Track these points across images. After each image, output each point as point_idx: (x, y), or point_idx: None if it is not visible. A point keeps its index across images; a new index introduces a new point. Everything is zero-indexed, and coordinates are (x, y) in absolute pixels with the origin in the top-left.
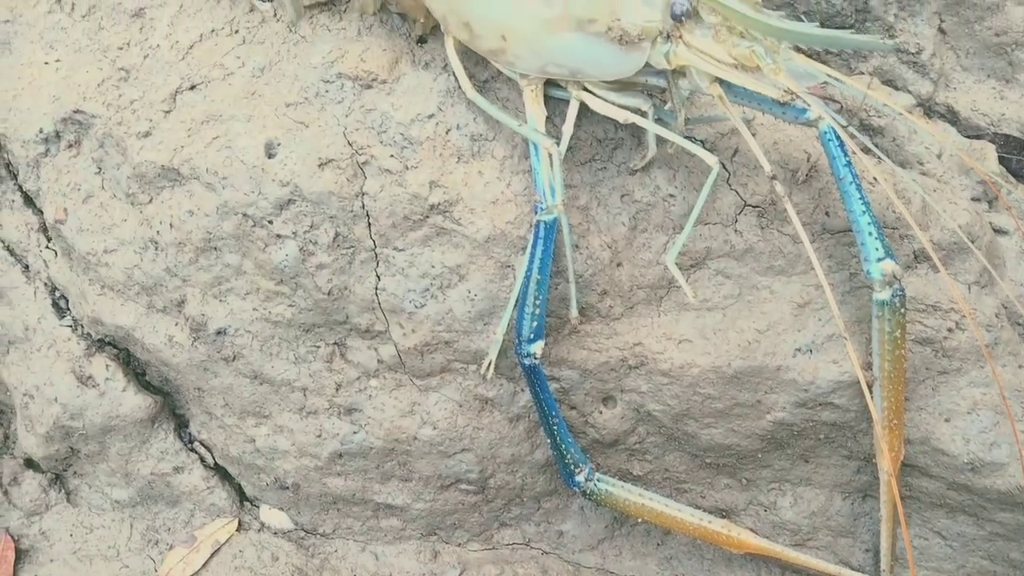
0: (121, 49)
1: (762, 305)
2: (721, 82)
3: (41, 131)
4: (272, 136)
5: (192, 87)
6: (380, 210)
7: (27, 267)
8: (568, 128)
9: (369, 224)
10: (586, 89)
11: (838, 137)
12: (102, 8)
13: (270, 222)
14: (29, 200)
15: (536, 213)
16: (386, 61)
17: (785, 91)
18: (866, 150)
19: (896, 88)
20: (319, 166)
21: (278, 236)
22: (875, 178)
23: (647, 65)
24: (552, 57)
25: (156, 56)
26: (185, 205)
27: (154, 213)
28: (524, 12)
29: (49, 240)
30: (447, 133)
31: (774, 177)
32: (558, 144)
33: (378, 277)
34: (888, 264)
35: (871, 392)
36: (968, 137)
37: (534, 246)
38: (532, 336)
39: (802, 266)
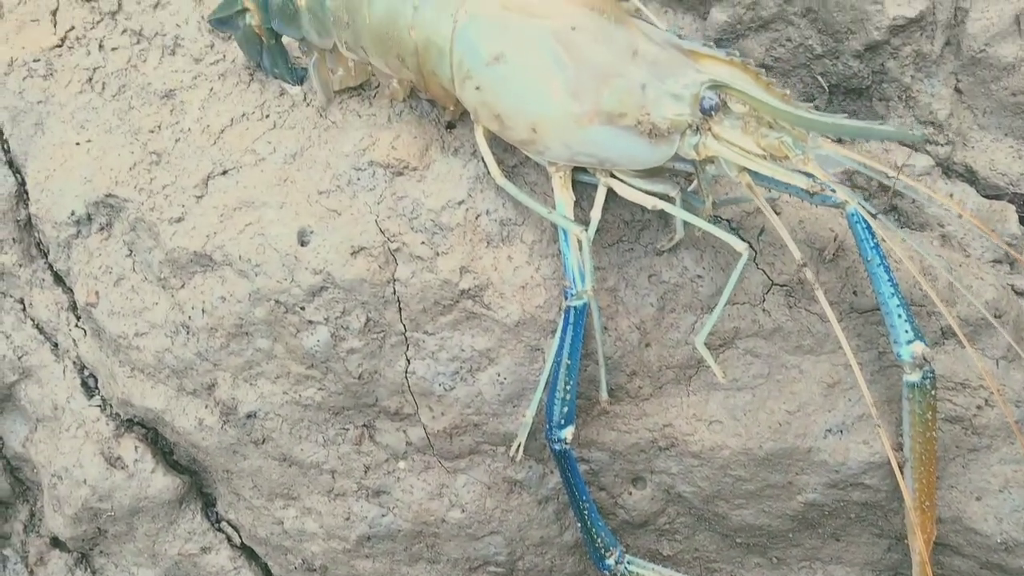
0: (152, 132)
1: (792, 385)
2: (749, 170)
3: (73, 213)
4: (305, 224)
5: (224, 172)
6: (411, 296)
7: (56, 345)
8: (596, 213)
9: (400, 309)
10: (614, 176)
11: (864, 220)
12: (132, 88)
13: (302, 308)
14: (59, 279)
15: (566, 298)
16: (417, 148)
17: (815, 182)
18: (890, 231)
19: (915, 149)
20: (352, 254)
21: (310, 322)
22: (900, 259)
23: (675, 155)
24: (582, 148)
25: (188, 140)
26: (217, 291)
27: (186, 298)
28: (554, 106)
29: (79, 319)
30: (477, 219)
31: (804, 264)
32: (586, 229)
33: (408, 361)
34: (918, 346)
35: (902, 473)
36: (987, 197)
37: (564, 331)
38: (563, 421)
39: (831, 345)
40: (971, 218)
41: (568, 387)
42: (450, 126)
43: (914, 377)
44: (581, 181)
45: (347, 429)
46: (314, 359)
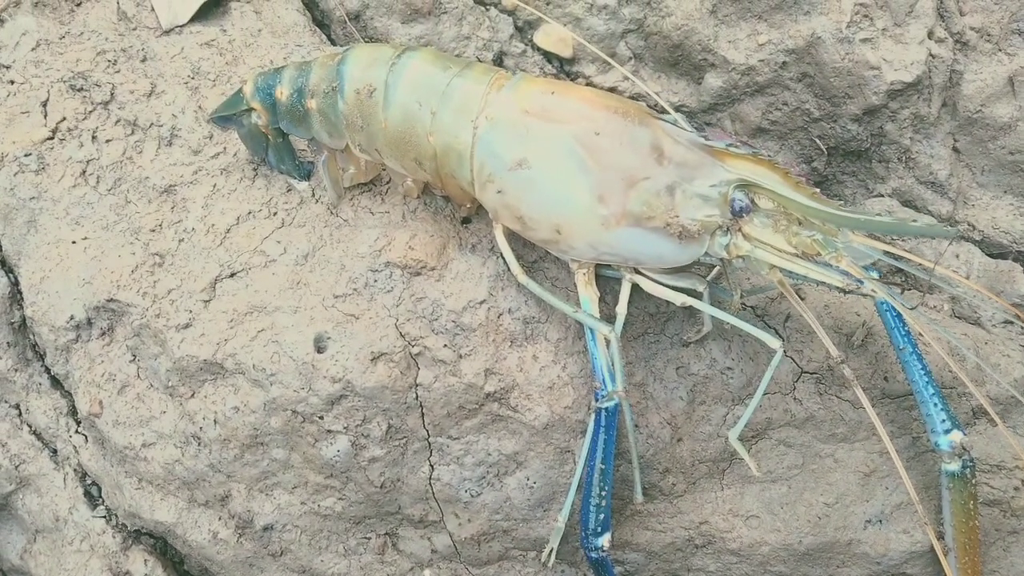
0: (154, 231)
1: (827, 475)
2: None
3: (72, 318)
4: (321, 329)
5: (232, 275)
6: (434, 400)
7: (55, 452)
8: (622, 309)
9: (423, 414)
10: (639, 272)
11: (894, 308)
12: (128, 181)
13: (321, 418)
14: (57, 383)
15: (596, 399)
16: (434, 247)
17: (850, 280)
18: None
19: (917, 209)
20: (372, 360)
21: (329, 431)
22: (929, 343)
23: (704, 254)
24: (608, 249)
25: (192, 240)
26: (230, 401)
27: (197, 408)
28: (579, 210)
29: (79, 424)
30: (499, 318)
31: (843, 362)
32: (614, 329)
33: (432, 467)
34: (956, 435)
35: (946, 561)
36: (992, 256)
37: (596, 434)
38: (599, 528)
39: (864, 432)
40: (1004, 304)
41: (603, 493)
42: (466, 221)
43: (954, 467)
44: (605, 275)
45: (369, 538)
46: (334, 469)
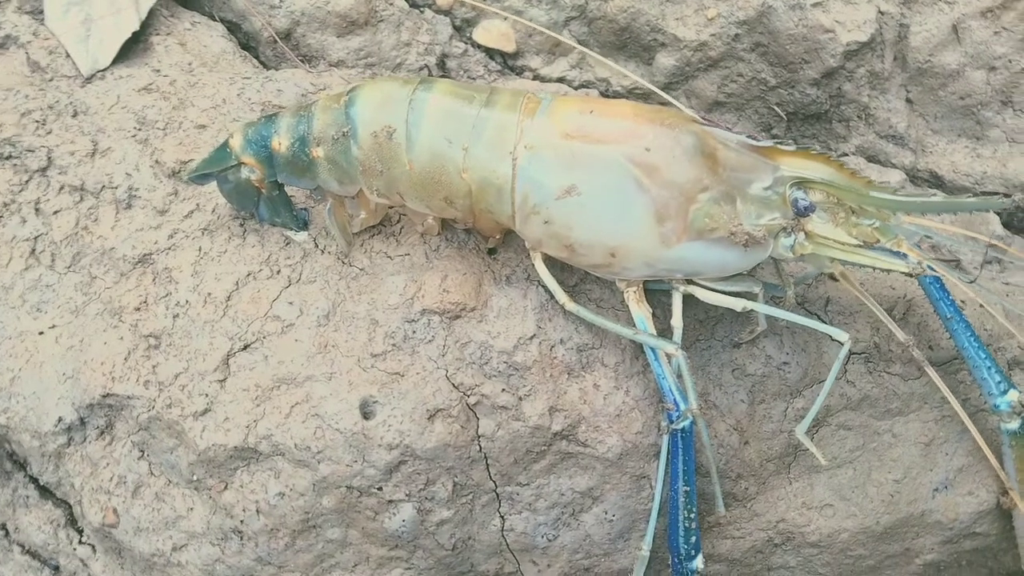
0: (140, 310)
1: (889, 452)
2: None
3: (60, 420)
4: (366, 394)
5: (246, 347)
6: (499, 450)
7: (57, 569)
8: (678, 322)
9: (487, 466)
10: (692, 282)
11: (938, 280)
12: (89, 254)
13: (380, 489)
14: (47, 492)
15: (670, 421)
16: (470, 286)
17: (917, 265)
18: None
19: (881, 163)
20: (428, 419)
21: (391, 502)
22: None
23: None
24: (667, 265)
25: (189, 315)
26: (272, 487)
27: (234, 500)
28: (638, 232)
29: (82, 534)
30: (552, 351)
31: (911, 345)
32: (679, 345)
33: (503, 518)
34: (1014, 395)
35: (1014, 516)
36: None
37: (675, 457)
38: (692, 552)
39: (916, 403)
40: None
41: (691, 516)
42: (492, 252)
43: (1014, 425)
44: (652, 289)
45: None
46: (399, 540)
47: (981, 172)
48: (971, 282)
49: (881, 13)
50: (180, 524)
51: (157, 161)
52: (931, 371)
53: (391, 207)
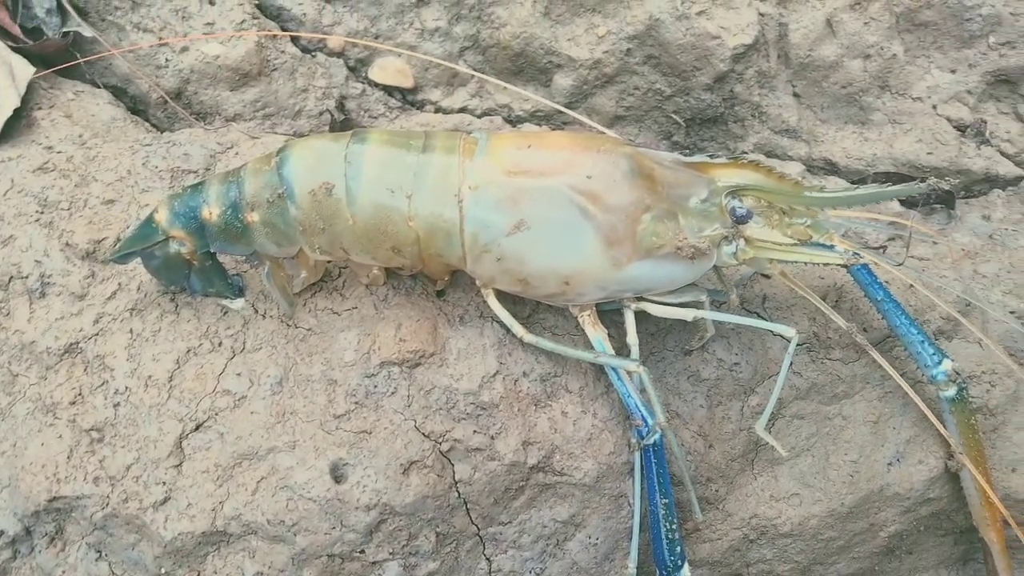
0: (75, 404)
1: (842, 434)
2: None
3: (3, 534)
4: (334, 458)
5: (198, 427)
6: (478, 492)
7: None
8: (633, 338)
9: (468, 511)
10: (643, 299)
11: (866, 267)
12: (6, 351)
13: (362, 552)
14: None
15: (640, 437)
16: (426, 332)
17: (851, 255)
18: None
19: (779, 157)
20: (403, 473)
21: (374, 563)
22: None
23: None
24: (619, 287)
25: (131, 401)
26: (249, 568)
27: None
28: (590, 258)
29: None
30: (516, 384)
31: (853, 331)
32: (640, 362)
33: (489, 560)
34: (947, 364)
35: (962, 475)
36: (854, 183)
37: (649, 472)
38: (679, 562)
39: (859, 384)
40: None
41: (672, 527)
42: (440, 294)
43: (951, 392)
44: (604, 310)
45: None
46: None
47: (871, 154)
48: (899, 264)
49: (761, 15)
50: None
51: (68, 244)
52: (874, 352)
53: (331, 262)
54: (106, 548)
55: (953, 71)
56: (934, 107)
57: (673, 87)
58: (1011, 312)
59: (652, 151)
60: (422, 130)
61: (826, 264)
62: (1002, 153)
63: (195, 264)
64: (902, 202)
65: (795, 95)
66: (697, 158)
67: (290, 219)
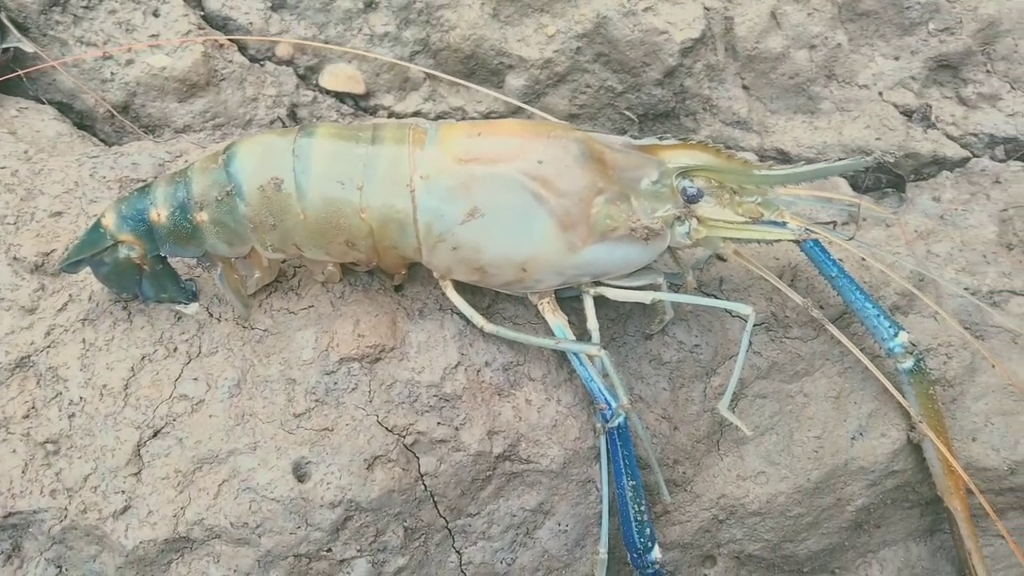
0: (28, 417)
1: (804, 411)
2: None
3: None
4: (296, 457)
5: (156, 434)
6: (445, 484)
7: None
8: (593, 323)
9: (435, 503)
10: (601, 283)
11: (819, 244)
12: None
13: (328, 550)
14: None
15: (605, 421)
16: (384, 327)
17: (802, 231)
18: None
19: (731, 149)
20: (367, 468)
21: (342, 561)
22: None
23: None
24: (576, 271)
25: (86, 412)
26: (214, 572)
27: None
28: (545, 242)
29: None
30: (479, 375)
31: (809, 306)
32: (601, 346)
33: (459, 553)
34: (904, 336)
35: (924, 446)
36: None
37: (615, 455)
38: (649, 544)
39: (819, 361)
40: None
41: (641, 508)
42: (398, 289)
43: (909, 363)
44: (563, 297)
45: None
46: None
47: (821, 142)
48: (849, 239)
49: (707, 9)
50: None
51: (15, 258)
52: (830, 326)
53: (285, 261)
54: (66, 562)
55: (896, 58)
56: (880, 94)
57: (624, 83)
58: (965, 289)
59: (602, 135)
60: (372, 123)
61: (778, 240)
62: (948, 136)
63: (146, 269)
64: (854, 187)
65: (744, 87)
66: (647, 141)
67: (240, 217)
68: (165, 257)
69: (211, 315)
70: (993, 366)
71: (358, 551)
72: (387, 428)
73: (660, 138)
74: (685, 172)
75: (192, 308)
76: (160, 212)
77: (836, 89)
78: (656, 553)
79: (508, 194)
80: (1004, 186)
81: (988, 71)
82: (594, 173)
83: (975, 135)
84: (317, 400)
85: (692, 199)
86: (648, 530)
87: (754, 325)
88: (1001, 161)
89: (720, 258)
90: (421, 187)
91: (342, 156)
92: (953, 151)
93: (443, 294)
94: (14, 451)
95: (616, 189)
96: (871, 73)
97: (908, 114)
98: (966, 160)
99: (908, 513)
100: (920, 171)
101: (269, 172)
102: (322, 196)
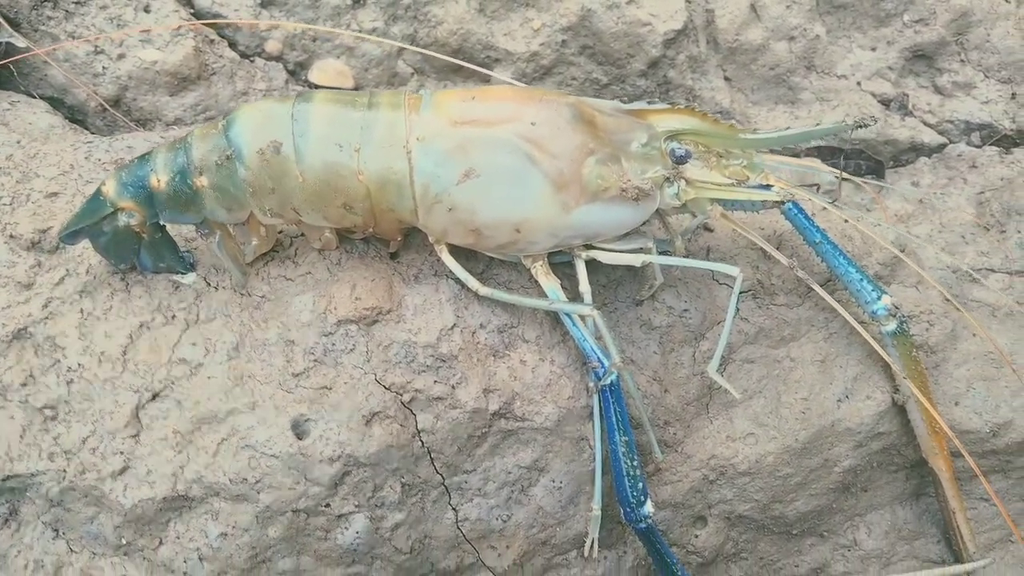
0: (27, 385)
1: (792, 375)
2: (720, 201)
3: None
4: (295, 414)
5: (155, 396)
6: (442, 441)
7: None
8: (586, 286)
9: (432, 460)
10: (592, 247)
11: (802, 209)
12: None
13: (327, 505)
14: None
15: (597, 379)
16: (381, 290)
17: (784, 191)
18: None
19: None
20: (366, 424)
21: (340, 516)
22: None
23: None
24: (570, 232)
25: (85, 377)
26: (213, 530)
27: (172, 554)
28: (539, 203)
29: None
30: (474, 336)
31: (794, 266)
32: (594, 307)
33: (455, 510)
34: (887, 299)
35: (908, 408)
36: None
37: (607, 412)
38: (642, 498)
39: (805, 327)
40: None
41: (633, 463)
42: (393, 256)
43: (892, 326)
44: (555, 263)
45: None
46: (355, 554)
47: None
48: (832, 202)
49: (688, 1)
50: None
51: (11, 236)
52: (815, 285)
53: (282, 231)
54: (63, 525)
55: (873, 49)
56: (858, 83)
57: (609, 75)
58: (947, 266)
59: (593, 100)
60: (367, 90)
61: (763, 200)
62: (925, 123)
63: (145, 238)
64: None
65: (726, 79)
66: (636, 105)
67: (239, 181)
68: (164, 226)
69: (209, 284)
70: (974, 335)
71: (356, 506)
72: (385, 386)
73: (649, 102)
74: (673, 135)
75: (190, 278)
76: (160, 178)
77: (815, 80)
78: (649, 507)
79: (503, 155)
80: (980, 170)
81: (962, 60)
82: (585, 135)
83: (951, 122)
84: (315, 360)
85: (680, 160)
86: (641, 484)
87: (741, 292)
88: (977, 147)
89: (708, 228)
90: (417, 149)
91: (340, 120)
92: (930, 137)
93: (438, 260)
94: (12, 417)
95: (607, 151)
96: (849, 64)
97: (886, 103)
98: (943, 146)
99: (894, 477)
100: (899, 157)
101: (268, 136)
102: (320, 159)
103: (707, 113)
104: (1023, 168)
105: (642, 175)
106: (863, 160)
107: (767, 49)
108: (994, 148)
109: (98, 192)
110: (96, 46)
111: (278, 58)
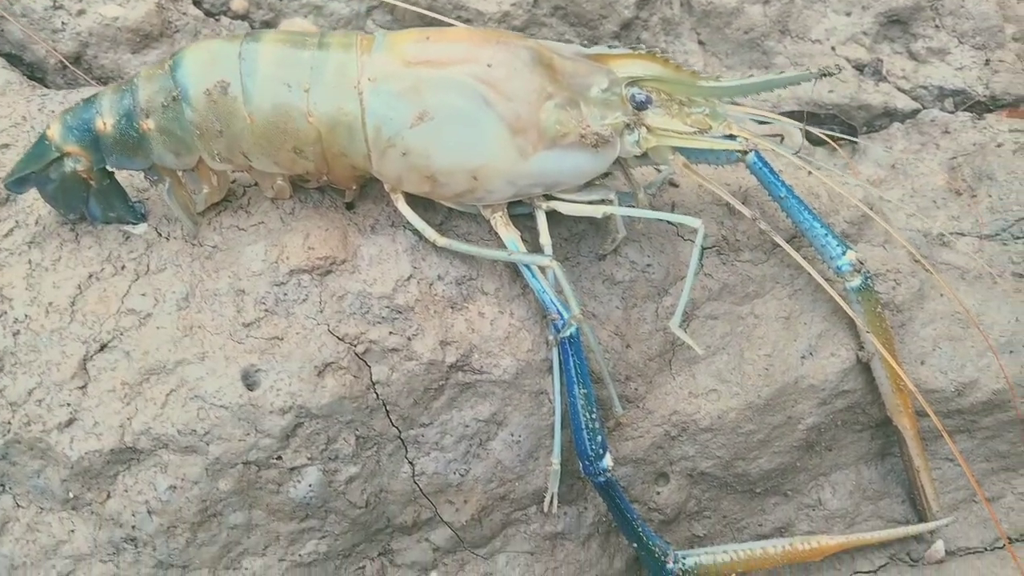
0: None
1: (755, 332)
2: (682, 151)
3: None
4: (246, 364)
5: (103, 347)
6: (397, 393)
7: None
8: (546, 238)
9: (387, 412)
10: (552, 197)
11: (767, 163)
12: None
13: (279, 458)
14: None
15: (557, 331)
16: (335, 240)
17: (746, 141)
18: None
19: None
20: (318, 375)
21: (292, 469)
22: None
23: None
24: (528, 180)
25: (32, 328)
26: (161, 482)
27: (120, 507)
28: (496, 147)
29: None
30: (431, 287)
31: (756, 218)
32: (553, 258)
33: (411, 464)
34: (851, 254)
35: (873, 365)
36: (760, 123)
37: (567, 364)
38: (601, 451)
39: (769, 284)
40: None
41: (592, 416)
42: (349, 207)
43: (856, 282)
44: (516, 214)
45: (363, 567)
46: (309, 508)
47: (776, 95)
48: (795, 153)
49: None
50: (62, 550)
51: None
52: (778, 238)
53: (235, 180)
54: (8, 480)
55: (848, 14)
56: (833, 48)
57: (582, 36)
58: (917, 230)
59: (553, 43)
60: (317, 30)
61: (726, 151)
62: (898, 89)
63: (93, 185)
64: (808, 139)
65: (700, 42)
66: (596, 50)
67: (186, 123)
68: (112, 172)
69: (160, 234)
70: (941, 295)
71: (308, 459)
72: (338, 337)
73: (610, 47)
74: (634, 81)
75: (141, 228)
76: (106, 121)
77: (790, 44)
78: (608, 461)
79: (457, 97)
80: (953, 136)
81: (936, 26)
82: (543, 78)
83: (925, 88)
84: (267, 310)
85: (641, 106)
86: (600, 438)
87: (705, 248)
88: (950, 112)
89: (673, 184)
90: (369, 89)
91: (289, 60)
92: (904, 103)
93: (395, 211)
94: None
95: (566, 95)
96: (824, 28)
97: (860, 68)
98: (916, 112)
99: (859, 436)
100: (872, 123)
101: (215, 76)
102: (269, 99)
103: (669, 59)
104: (995, 134)
105: (602, 121)
106: (836, 125)
107: (741, 12)
108: (967, 114)
109: (43, 136)
110: (55, 0)
111: (244, 16)
